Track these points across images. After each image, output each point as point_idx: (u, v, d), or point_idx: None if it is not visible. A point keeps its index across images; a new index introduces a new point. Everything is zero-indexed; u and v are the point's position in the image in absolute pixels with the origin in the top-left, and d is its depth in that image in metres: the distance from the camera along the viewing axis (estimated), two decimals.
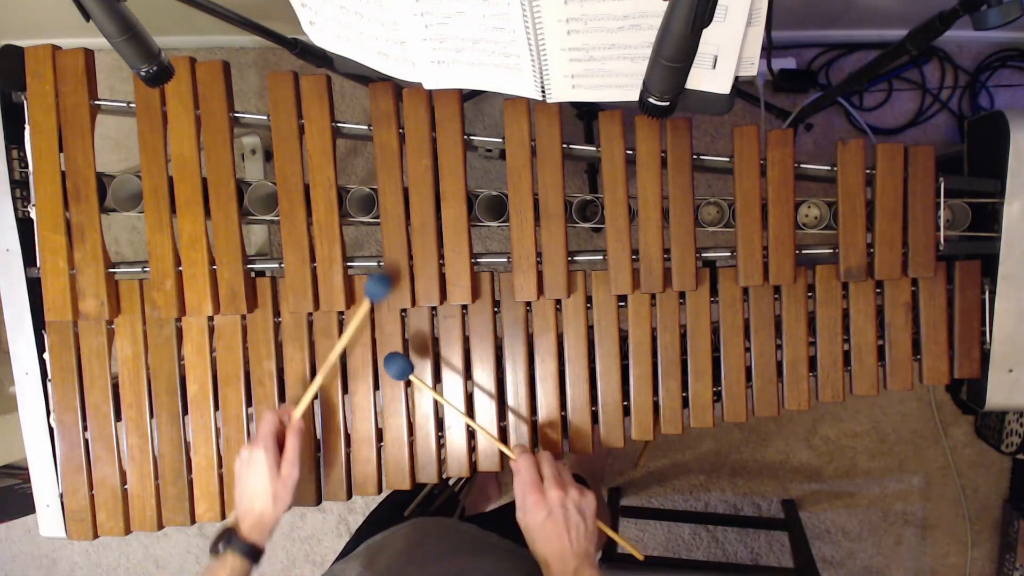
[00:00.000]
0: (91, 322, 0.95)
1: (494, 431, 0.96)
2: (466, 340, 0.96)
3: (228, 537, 0.81)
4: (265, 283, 0.96)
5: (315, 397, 0.92)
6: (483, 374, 0.96)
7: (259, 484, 0.82)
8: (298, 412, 0.88)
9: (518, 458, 0.83)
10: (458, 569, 0.84)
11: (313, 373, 0.96)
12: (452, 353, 0.96)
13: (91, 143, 0.93)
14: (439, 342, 0.96)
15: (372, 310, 0.94)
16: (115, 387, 0.96)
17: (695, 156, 0.92)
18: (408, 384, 0.95)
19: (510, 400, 0.96)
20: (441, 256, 0.94)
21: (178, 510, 0.97)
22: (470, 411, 0.96)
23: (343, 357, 0.96)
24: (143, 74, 0.73)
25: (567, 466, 0.83)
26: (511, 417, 0.96)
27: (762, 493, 1.88)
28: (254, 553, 0.81)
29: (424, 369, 0.96)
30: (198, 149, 0.93)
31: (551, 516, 0.78)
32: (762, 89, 1.61)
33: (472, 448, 0.97)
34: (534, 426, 0.96)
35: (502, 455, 0.95)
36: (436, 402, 0.96)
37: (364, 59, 0.89)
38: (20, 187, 0.95)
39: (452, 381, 0.96)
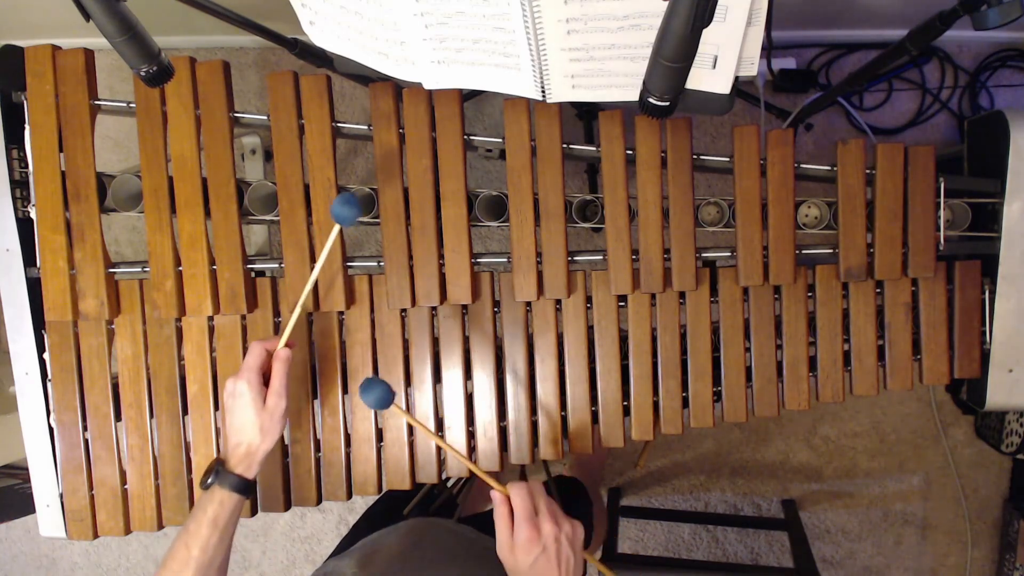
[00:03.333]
0: (91, 322, 0.95)
1: (494, 431, 0.96)
2: (466, 340, 0.96)
3: (217, 471, 0.80)
4: (265, 283, 0.96)
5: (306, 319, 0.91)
6: (483, 374, 0.95)
7: (245, 417, 0.81)
8: (281, 341, 0.86)
9: (511, 490, 0.76)
10: (453, 575, 0.83)
11: (314, 372, 0.96)
12: (452, 353, 0.96)
13: (91, 143, 0.93)
14: (439, 342, 0.96)
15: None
16: (115, 387, 0.96)
17: (695, 156, 0.92)
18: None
19: (510, 400, 0.96)
20: (441, 256, 0.94)
21: (178, 510, 0.97)
22: (470, 411, 0.96)
23: (343, 357, 0.97)
24: (143, 74, 0.73)
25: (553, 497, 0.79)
26: (511, 417, 0.96)
27: (762, 493, 1.88)
28: (243, 486, 0.80)
29: (425, 373, 0.96)
30: (198, 149, 0.93)
31: (545, 552, 0.73)
32: (762, 89, 1.61)
33: (472, 448, 0.97)
34: (534, 426, 0.96)
35: (500, 459, 0.95)
36: (436, 402, 0.96)
37: (364, 59, 0.89)
38: (20, 187, 0.95)
39: (452, 380, 0.96)
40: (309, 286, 0.89)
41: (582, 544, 0.78)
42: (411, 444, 0.96)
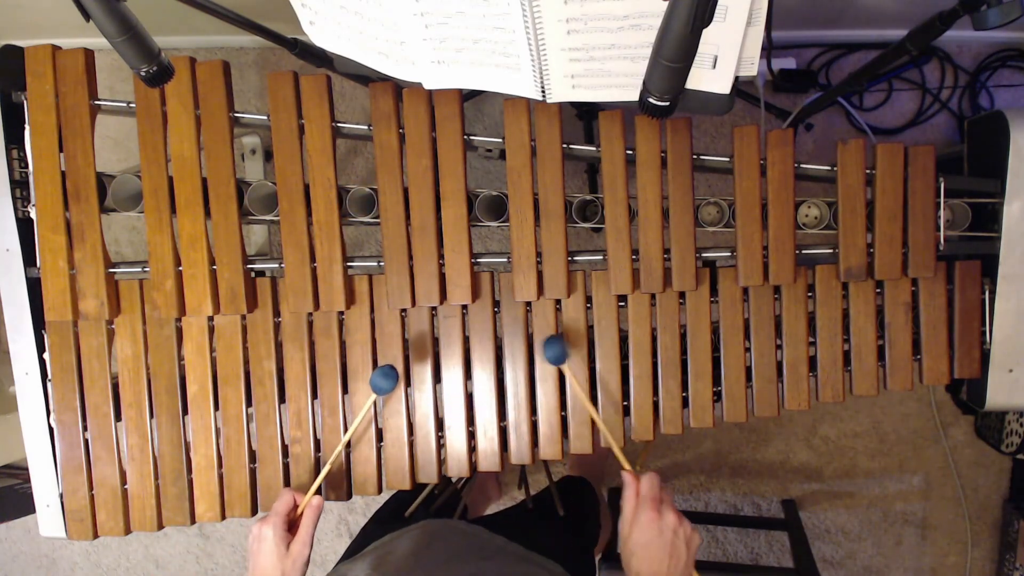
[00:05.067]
0: (91, 322, 0.95)
1: (494, 431, 0.96)
2: (466, 340, 0.96)
3: None
4: (265, 283, 0.96)
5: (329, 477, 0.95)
6: (483, 374, 0.95)
7: (267, 562, 0.83)
8: (309, 494, 0.88)
9: (643, 476, 0.83)
10: (466, 574, 0.84)
11: (314, 372, 0.96)
12: (452, 353, 0.96)
13: (91, 143, 0.93)
14: (439, 342, 0.96)
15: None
16: (115, 387, 0.96)
17: (695, 156, 0.92)
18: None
19: (510, 400, 0.96)
20: (441, 256, 0.94)
21: (178, 510, 0.97)
22: (470, 411, 0.96)
23: (343, 357, 0.97)
24: (143, 74, 0.73)
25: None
26: (511, 417, 0.96)
27: (762, 493, 1.88)
28: None
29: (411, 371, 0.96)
30: (198, 149, 0.93)
31: (661, 537, 0.78)
32: (762, 89, 1.61)
33: (472, 448, 0.97)
34: (534, 426, 0.96)
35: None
36: (436, 402, 0.96)
37: (364, 59, 0.89)
38: (20, 187, 0.95)
39: (452, 380, 0.96)
40: (341, 447, 0.93)
41: (696, 549, 0.81)
42: (411, 444, 0.96)
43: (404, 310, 0.95)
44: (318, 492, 0.90)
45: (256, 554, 0.84)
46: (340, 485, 0.97)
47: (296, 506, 0.88)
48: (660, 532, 0.78)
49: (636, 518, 0.80)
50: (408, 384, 0.96)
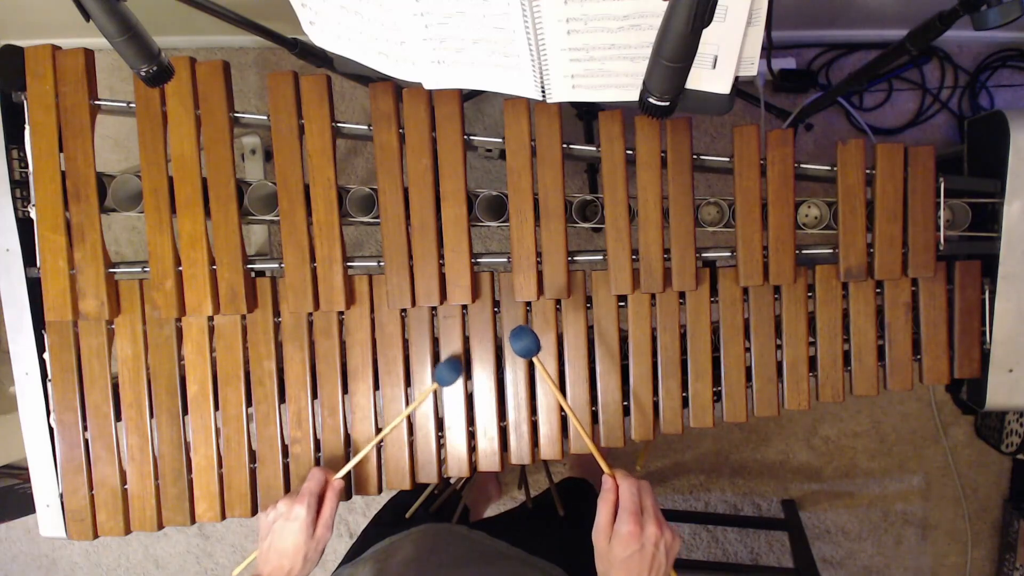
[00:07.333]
0: (91, 322, 0.95)
1: (494, 431, 0.96)
2: (466, 340, 0.96)
3: None
4: (265, 283, 0.96)
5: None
6: (483, 374, 0.95)
7: (291, 542, 0.81)
8: (340, 474, 0.87)
9: (620, 481, 0.79)
10: None
11: (314, 372, 0.96)
12: (452, 353, 0.95)
13: (91, 143, 0.93)
14: (439, 342, 0.96)
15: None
16: (115, 387, 0.96)
17: (695, 156, 0.92)
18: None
19: (510, 400, 0.96)
20: (441, 256, 0.94)
21: (178, 510, 0.97)
22: (470, 411, 0.96)
23: (343, 357, 0.97)
24: (143, 74, 0.73)
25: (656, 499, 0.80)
26: (511, 417, 0.96)
27: (762, 493, 1.88)
28: None
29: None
30: (198, 149, 0.93)
31: (641, 551, 0.74)
32: (762, 89, 1.62)
33: (472, 448, 0.97)
34: (534, 426, 0.96)
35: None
36: (436, 402, 0.96)
37: (364, 59, 0.89)
38: (20, 187, 0.95)
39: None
40: (389, 429, 0.93)
41: (675, 555, 0.78)
42: (411, 444, 0.96)
43: (404, 310, 0.95)
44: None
45: (279, 532, 0.81)
46: None
47: (326, 487, 0.86)
48: (641, 547, 0.74)
49: (616, 531, 0.76)
50: (408, 384, 0.96)
